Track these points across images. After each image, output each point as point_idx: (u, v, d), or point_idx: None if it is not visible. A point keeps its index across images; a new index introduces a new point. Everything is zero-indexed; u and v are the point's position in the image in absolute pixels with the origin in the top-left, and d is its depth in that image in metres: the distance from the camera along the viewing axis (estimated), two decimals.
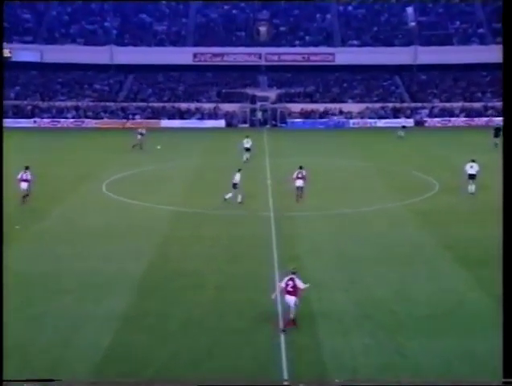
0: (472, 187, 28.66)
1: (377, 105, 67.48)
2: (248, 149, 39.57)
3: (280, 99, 68.24)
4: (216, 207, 26.73)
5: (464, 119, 64.59)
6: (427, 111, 66.99)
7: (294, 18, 76.39)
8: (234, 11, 77.22)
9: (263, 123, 65.24)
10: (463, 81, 71.41)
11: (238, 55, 71.27)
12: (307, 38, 74.48)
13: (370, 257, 19.41)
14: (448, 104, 67.51)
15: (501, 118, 63.29)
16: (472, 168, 29.17)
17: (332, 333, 14.14)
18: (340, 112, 66.84)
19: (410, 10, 75.23)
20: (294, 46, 73.11)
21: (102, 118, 64.12)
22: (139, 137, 44.78)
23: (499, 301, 15.26)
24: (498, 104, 67.31)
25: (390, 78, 72.60)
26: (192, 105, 67.48)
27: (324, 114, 66.61)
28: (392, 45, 71.90)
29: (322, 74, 72.30)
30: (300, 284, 14.37)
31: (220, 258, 19.67)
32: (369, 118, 65.23)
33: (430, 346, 13.22)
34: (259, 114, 65.82)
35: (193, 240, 21.64)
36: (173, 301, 16.08)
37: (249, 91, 68.76)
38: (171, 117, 65.06)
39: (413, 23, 72.47)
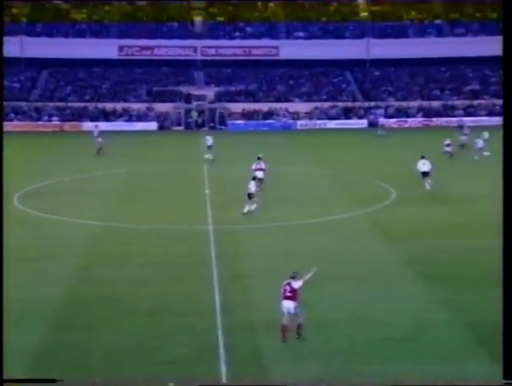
0: (427, 184, 30.28)
1: (327, 105, 68.50)
2: (209, 148, 40.76)
3: (219, 98, 68.31)
4: (149, 220, 26.36)
5: (422, 119, 66.33)
6: (381, 111, 68.43)
7: (233, 7, 76.74)
8: None
9: (200, 125, 65.09)
10: (420, 77, 73.45)
11: (170, 48, 71.00)
12: (248, 29, 74.97)
13: (325, 275, 19.43)
14: (404, 103, 69.24)
15: (461, 118, 65.48)
16: (424, 165, 31.22)
17: (280, 362, 14.06)
18: (286, 113, 67.44)
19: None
20: (233, 38, 73.46)
21: (12, 120, 62.37)
22: (100, 140, 44.75)
23: (465, 324, 15.70)
24: (458, 102, 69.57)
25: (340, 74, 73.88)
26: (119, 105, 66.67)
27: (269, 115, 67.06)
28: (342, 38, 73.29)
29: (265, 70, 72.88)
30: (296, 284, 14.87)
31: (153, 280, 19.36)
32: (318, 119, 66.09)
33: (387, 372, 13.34)
34: (195, 115, 65.67)
35: (122, 259, 21.23)
36: (97, 331, 15.65)
37: (184, 89, 68.51)
38: (94, 118, 63.94)
39: (365, 13, 74.09)
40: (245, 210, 26.95)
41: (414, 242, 22.96)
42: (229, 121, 65.41)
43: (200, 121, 65.68)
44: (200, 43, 71.62)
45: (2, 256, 14.39)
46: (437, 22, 76.46)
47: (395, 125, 65.34)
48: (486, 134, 44.43)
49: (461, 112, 67.67)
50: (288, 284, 15.03)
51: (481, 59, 71.69)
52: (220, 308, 16.93)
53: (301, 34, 74.51)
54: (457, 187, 32.68)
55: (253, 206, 27.15)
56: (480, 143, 42.40)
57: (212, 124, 65.59)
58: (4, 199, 30.14)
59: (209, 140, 41.62)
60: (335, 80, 73.43)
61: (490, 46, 70.78)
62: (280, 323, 14.93)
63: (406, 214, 27.15)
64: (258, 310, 16.90)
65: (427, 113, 67.66)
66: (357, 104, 69.32)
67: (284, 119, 66.21)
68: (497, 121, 65.55)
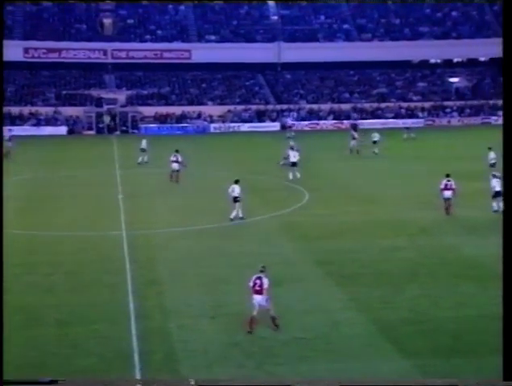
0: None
1: (240, 108, 68.91)
2: (143, 150, 40.23)
3: (131, 101, 67.42)
4: (59, 227, 25.68)
5: (333, 122, 67.84)
6: (294, 113, 69.52)
7: (143, 10, 75.98)
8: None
9: (112, 129, 64.00)
10: (330, 81, 75.13)
11: (79, 51, 69.43)
12: (159, 32, 74.42)
13: (237, 278, 19.57)
14: (315, 106, 70.60)
15: (370, 121, 67.43)
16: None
17: (195, 366, 14.05)
18: (199, 116, 67.39)
19: (271, 3, 77.93)
20: (144, 41, 72.74)
21: None
22: (10, 144, 43.43)
23: (374, 321, 16.18)
24: (367, 105, 71.65)
25: (252, 77, 74.54)
26: (26, 109, 64.60)
27: (182, 118, 66.76)
28: (254, 41, 73.98)
29: (178, 73, 72.61)
30: (266, 283, 15.39)
31: (62, 288, 18.87)
32: (232, 122, 66.40)
33: (299, 372, 13.57)
34: (107, 119, 64.49)
35: (26, 268, 20.56)
36: (7, 342, 15.06)
37: (95, 92, 67.19)
38: None
39: (275, 17, 75.06)
40: (233, 215, 26.12)
41: (325, 243, 23.43)
42: (141, 125, 64.63)
43: (112, 125, 64.56)
44: (109, 46, 70.40)
45: (2, 259, 13.83)
46: (345, 26, 78.47)
47: (307, 128, 66.55)
48: (377, 135, 46.17)
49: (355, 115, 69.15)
50: (259, 278, 15.48)
51: (387, 63, 74.20)
52: (134, 314, 16.71)
53: (213, 37, 74.65)
54: (366, 187, 33.64)
55: (238, 211, 26.21)
56: (376, 137, 45.35)
57: (124, 128, 64.63)
58: None
59: (143, 143, 41.02)
60: (247, 83, 74.00)
61: (395, 51, 73.55)
62: (249, 316, 15.38)
63: (318, 215, 27.67)
64: (172, 315, 16.80)
65: (338, 116, 69.25)
66: (270, 107, 70.12)
67: (201, 122, 66.06)
68: (404, 123, 68.30)
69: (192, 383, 10.80)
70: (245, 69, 73.63)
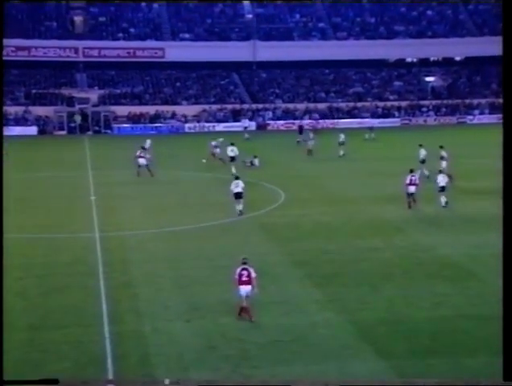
0: None
1: (215, 107, 68.86)
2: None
3: (103, 101, 67.03)
4: (29, 230, 25.44)
5: (309, 121, 68.04)
6: (269, 113, 69.66)
7: (115, 8, 75.55)
8: None
9: (84, 129, 63.52)
10: (306, 80, 75.41)
11: (49, 49, 68.80)
12: (131, 30, 74.09)
13: (213, 279, 19.60)
14: (291, 105, 70.82)
15: (346, 120, 67.84)
16: (232, 152, 37.42)
17: (170, 370, 14.01)
18: (174, 116, 67.19)
19: (246, 2, 78.00)
20: (117, 39, 72.33)
21: None
22: None
23: (352, 322, 16.29)
24: (343, 104, 72.05)
25: (227, 76, 74.54)
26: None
27: (156, 118, 66.51)
28: (229, 39, 74.01)
29: (151, 72, 72.37)
30: (253, 272, 16.05)
31: (33, 292, 18.72)
32: (207, 122, 66.31)
33: (276, 375, 13.61)
34: (78, 119, 64.03)
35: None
36: None
37: (66, 91, 66.70)
38: None
39: (250, 16, 75.15)
40: (240, 208, 27.10)
41: (302, 243, 23.52)
42: (114, 125, 64.28)
43: (83, 124, 64.09)
44: (81, 44, 69.89)
45: (3, 257, 13.82)
46: (320, 25, 78.82)
47: (283, 127, 66.73)
48: (342, 136, 46.35)
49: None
50: (245, 269, 16.04)
51: (362, 62, 74.70)
52: (107, 318, 16.63)
53: (187, 35, 74.49)
54: (340, 187, 33.86)
55: (239, 207, 27.18)
56: (341, 138, 45.91)
57: (96, 128, 64.22)
58: None
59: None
60: (222, 82, 73.98)
61: (371, 49, 74.10)
62: (238, 306, 16.17)
63: (294, 215, 27.78)
64: (147, 318, 16.74)
65: (314, 115, 69.48)
66: (245, 106, 70.16)
67: (175, 121, 65.88)
68: (381, 122, 68.88)
69: (167, 382, 10.84)
70: (220, 68, 73.62)
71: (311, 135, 47.61)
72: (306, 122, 64.90)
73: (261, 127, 66.76)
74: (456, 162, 35.93)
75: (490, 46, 73.22)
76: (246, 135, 55.81)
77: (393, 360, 14.17)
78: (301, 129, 55.34)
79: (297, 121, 67.30)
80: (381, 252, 22.31)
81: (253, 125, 66.87)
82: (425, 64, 79.02)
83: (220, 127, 65.32)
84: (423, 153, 36.31)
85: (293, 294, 18.40)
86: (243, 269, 16.10)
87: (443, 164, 33.88)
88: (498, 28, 78.18)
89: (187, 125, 65.66)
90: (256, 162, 39.69)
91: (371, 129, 56.87)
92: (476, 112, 72.65)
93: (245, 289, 16.05)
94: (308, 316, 16.86)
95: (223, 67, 73.58)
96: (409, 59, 79.55)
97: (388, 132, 63.15)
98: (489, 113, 71.88)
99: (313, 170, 40.10)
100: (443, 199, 28.19)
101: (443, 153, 35.39)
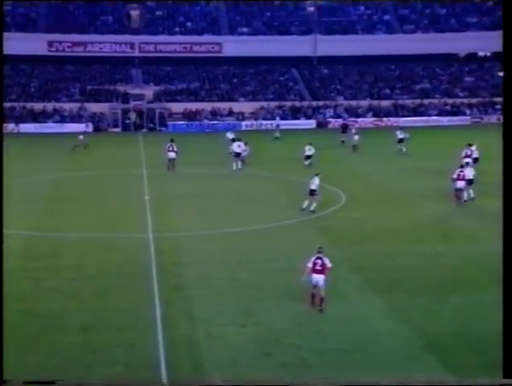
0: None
1: (273, 104, 68.95)
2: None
3: (159, 97, 68.01)
4: (83, 229, 26.03)
5: (373, 119, 67.43)
6: (330, 110, 69.33)
7: (172, 1, 76.55)
8: None
9: (139, 126, 64.61)
10: (369, 75, 74.74)
11: (105, 44, 70.26)
12: (188, 24, 74.93)
13: (269, 283, 19.66)
14: (353, 103, 70.29)
15: (412, 118, 66.92)
16: (309, 150, 40.00)
17: (224, 377, 14.10)
18: (231, 113, 67.61)
19: None
20: (173, 34, 73.28)
21: None
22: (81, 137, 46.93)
23: (417, 332, 16.07)
24: (408, 102, 71.07)
25: (287, 72, 74.54)
26: (49, 105, 65.61)
27: (212, 115, 67.07)
28: (288, 33, 73.98)
29: (208, 67, 72.99)
30: (328, 262, 17.01)
31: (86, 293, 19.13)
32: (265, 119, 66.45)
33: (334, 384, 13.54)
34: (133, 116, 65.14)
35: (49, 272, 20.89)
36: (25, 349, 15.39)
37: (121, 88, 67.95)
38: (20, 120, 62.72)
39: (311, 8, 74.97)
40: (305, 205, 27.98)
41: (363, 247, 23.34)
42: (169, 122, 65.12)
43: (138, 122, 65.19)
44: (137, 39, 71.08)
45: (2, 259, 14.24)
46: (386, 17, 77.99)
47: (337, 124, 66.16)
48: (401, 133, 46.68)
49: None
50: (319, 258, 17.05)
51: (431, 56, 73.49)
52: (160, 322, 16.88)
53: (245, 29, 74.87)
54: (401, 188, 33.43)
55: (306, 203, 28.04)
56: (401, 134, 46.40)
57: (151, 125, 65.17)
58: None
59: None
60: (281, 78, 74.02)
61: (440, 43, 72.77)
62: (309, 295, 17.27)
63: (355, 218, 27.58)
64: (200, 323, 16.91)
65: (377, 113, 68.80)
66: (305, 103, 70.02)
67: (231, 119, 66.33)
68: (449, 121, 67.66)
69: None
70: (279, 63, 73.66)
71: (354, 130, 49.05)
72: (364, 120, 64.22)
73: (321, 125, 66.46)
74: None
75: None
76: (277, 134, 55.62)
77: (461, 375, 13.89)
78: (345, 128, 54.81)
79: (360, 119, 66.77)
80: (448, 258, 21.96)
81: (313, 123, 66.68)
82: (499, 59, 77.06)
83: (281, 124, 64.81)
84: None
85: (353, 301, 18.29)
86: (317, 258, 17.04)
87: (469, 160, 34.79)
88: None
89: (244, 123, 65.95)
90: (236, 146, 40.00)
91: (402, 128, 56.54)
92: None
93: (316, 278, 16.94)
94: (369, 324, 16.73)
95: (282, 63, 73.60)
96: (481, 53, 77.83)
97: (457, 130, 61.95)
98: None
99: (372, 169, 39.71)
100: (467, 193, 29.53)
101: (469, 151, 36.64)
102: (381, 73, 75.00)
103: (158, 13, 75.24)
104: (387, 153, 45.65)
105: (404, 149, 45.26)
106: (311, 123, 66.74)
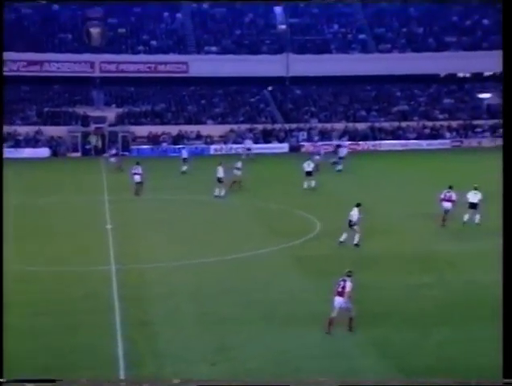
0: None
1: (244, 127, 69.21)
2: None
3: (122, 120, 67.86)
4: (40, 262, 25.67)
5: (348, 143, 67.95)
6: (304, 133, 69.77)
7: (135, 18, 76.80)
8: (55, 7, 75.94)
9: (100, 151, 64.27)
10: (345, 97, 75.51)
11: (63, 63, 70.09)
12: (153, 43, 75.14)
13: (242, 317, 19.53)
14: (328, 125, 70.84)
15: (390, 142, 67.63)
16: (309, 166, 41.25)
17: None
18: (198, 136, 67.66)
19: (278, 10, 78.68)
20: (137, 53, 73.40)
21: None
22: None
23: (399, 369, 16.02)
24: (386, 124, 71.85)
25: (258, 93, 75.00)
26: (3, 129, 64.92)
27: (178, 139, 67.03)
28: (259, 52, 74.56)
29: (174, 88, 73.15)
30: (348, 287, 17.95)
31: (44, 330, 18.81)
32: (235, 143, 66.61)
33: None
34: (94, 140, 64.85)
35: (5, 308, 20.44)
36: None
37: (80, 110, 67.73)
38: None
39: (283, 26, 75.76)
40: (342, 238, 27.73)
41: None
42: (133, 146, 64.94)
43: (99, 146, 64.88)
44: (97, 58, 71.03)
45: (2, 257, 13.66)
46: (361, 36, 79.10)
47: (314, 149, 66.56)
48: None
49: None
50: (343, 281, 18.09)
51: (408, 77, 74.57)
52: (123, 360, 16.63)
53: (213, 48, 75.29)
54: (379, 214, 33.59)
55: (344, 236, 27.81)
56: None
57: (114, 152, 64.82)
58: None
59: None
60: (252, 100, 74.41)
61: (418, 63, 73.90)
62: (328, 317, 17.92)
63: (331, 247, 27.61)
64: (167, 360, 16.70)
65: (353, 136, 69.36)
66: (277, 126, 70.40)
67: (198, 143, 66.43)
68: (429, 144, 68.55)
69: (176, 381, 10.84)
70: (250, 84, 74.08)
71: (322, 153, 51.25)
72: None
73: (294, 149, 66.81)
74: None
75: None
76: (244, 156, 55.15)
77: None
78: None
79: (335, 142, 67.22)
80: (434, 289, 22.02)
81: (285, 147, 67.03)
82: (479, 80, 78.61)
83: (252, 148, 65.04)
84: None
85: (332, 335, 18.20)
86: (342, 280, 18.09)
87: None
88: None
89: (213, 147, 66.04)
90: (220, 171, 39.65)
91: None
92: None
93: (338, 300, 17.92)
94: (349, 360, 16.67)
95: (253, 83, 74.03)
96: (461, 74, 79.23)
97: (436, 154, 62.80)
98: None
99: (348, 195, 39.83)
100: (470, 218, 30.45)
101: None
102: (357, 94, 75.84)
103: (121, 30, 75.38)
104: (364, 179, 45.96)
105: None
106: (284, 147, 67.12)
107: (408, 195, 39.49)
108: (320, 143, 64.53)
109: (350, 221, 27.54)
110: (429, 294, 21.47)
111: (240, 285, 22.63)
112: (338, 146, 56.77)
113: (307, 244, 28.46)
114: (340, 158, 51.34)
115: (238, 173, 41.49)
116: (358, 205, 27.94)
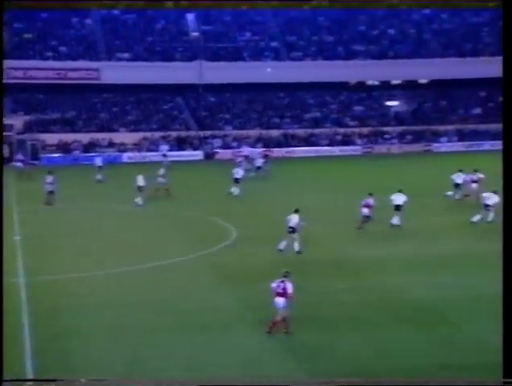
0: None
1: (158, 134, 68.65)
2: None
3: (30, 128, 66.10)
4: None
5: (262, 150, 68.33)
6: (218, 140, 69.81)
7: (43, 23, 75.12)
8: None
9: (8, 160, 62.31)
10: (258, 104, 76.02)
11: None
12: (62, 49, 73.62)
13: (160, 327, 19.28)
14: (242, 132, 71.13)
15: (303, 148, 68.42)
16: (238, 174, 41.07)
17: None
18: (111, 144, 66.68)
19: (190, 17, 78.55)
20: (45, 59, 71.72)
21: None
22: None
23: (312, 374, 16.10)
24: (299, 131, 72.74)
25: (171, 100, 74.61)
26: None
27: (90, 147, 65.86)
28: (172, 59, 74.17)
29: (85, 95, 71.88)
30: (289, 288, 18.07)
31: None
32: (149, 151, 65.97)
33: None
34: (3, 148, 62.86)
35: None
36: None
37: None
38: None
39: (196, 33, 75.66)
40: (281, 246, 27.43)
41: (257, 285, 23.31)
42: (43, 155, 63.34)
43: (6, 154, 62.91)
44: (4, 64, 68.89)
45: (2, 256, 12.76)
46: (273, 44, 79.84)
47: (233, 156, 66.73)
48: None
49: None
50: (282, 281, 18.28)
51: (320, 84, 75.76)
52: (32, 376, 16.08)
53: (125, 55, 74.42)
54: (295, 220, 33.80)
55: (283, 243, 27.40)
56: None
57: (21, 158, 63.02)
58: None
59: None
60: (165, 107, 73.96)
61: (329, 71, 75.19)
62: (271, 319, 18.14)
63: (247, 254, 27.62)
64: (79, 375, 16.22)
65: (267, 143, 69.87)
66: (191, 133, 70.18)
67: (111, 151, 65.43)
68: (341, 150, 69.77)
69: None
70: (163, 91, 73.61)
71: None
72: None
73: (209, 156, 66.74)
74: (425, 194, 36.53)
75: (456, 68, 75.47)
76: (165, 163, 54.80)
77: None
78: (265, 157, 55.38)
79: (250, 149, 67.50)
80: (345, 294, 22.28)
81: (200, 155, 66.87)
82: (387, 87, 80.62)
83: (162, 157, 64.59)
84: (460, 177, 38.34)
85: (246, 342, 18.17)
86: (281, 281, 18.22)
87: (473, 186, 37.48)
88: (464, 49, 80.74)
89: (126, 155, 65.17)
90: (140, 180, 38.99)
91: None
92: (444, 139, 74.22)
93: (278, 301, 18.09)
94: (264, 367, 16.63)
95: (166, 91, 73.59)
96: (370, 82, 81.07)
97: (348, 160, 64.01)
98: (458, 141, 73.54)
99: (263, 203, 40.08)
100: (485, 216, 31.71)
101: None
102: (270, 101, 76.49)
103: (28, 36, 73.52)
104: (279, 185, 46.30)
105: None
106: (198, 154, 66.96)
107: (324, 201, 39.92)
108: (240, 150, 64.51)
109: (290, 228, 27.09)
110: (344, 299, 21.70)
111: (156, 294, 22.32)
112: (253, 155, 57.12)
113: (223, 252, 28.40)
114: (258, 167, 51.39)
115: (163, 180, 41.18)
116: (297, 211, 27.43)
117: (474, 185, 37.25)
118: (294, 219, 27.07)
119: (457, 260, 26.11)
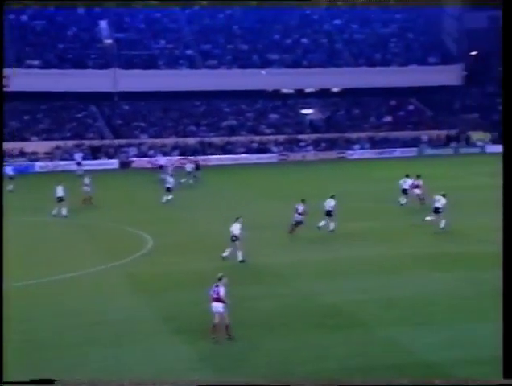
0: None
1: (71, 143, 67.42)
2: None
3: None
4: None
5: (179, 158, 68.05)
6: (134, 149, 69.11)
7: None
8: None
9: None
10: (174, 112, 75.72)
11: None
12: None
13: (71, 342, 18.86)
14: (158, 140, 70.66)
15: (219, 156, 68.47)
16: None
17: None
18: (22, 154, 65.04)
19: (103, 24, 77.61)
20: None
21: None
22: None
23: (228, 381, 16.08)
24: (216, 139, 72.86)
25: (84, 108, 73.46)
26: None
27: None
28: (85, 67, 73.09)
29: None
30: (221, 292, 18.30)
31: None
32: (62, 160, 64.67)
33: None
34: None
35: None
36: None
37: None
38: None
39: (109, 41, 74.77)
40: (225, 253, 27.25)
41: (173, 295, 23.19)
42: None
43: None
44: None
45: (2, 257, 14.85)
46: (188, 52, 79.71)
47: (149, 165, 66.19)
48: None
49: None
50: (217, 286, 18.44)
51: (236, 93, 76.13)
52: None
53: (35, 62, 72.77)
54: (210, 230, 33.75)
55: (228, 251, 27.21)
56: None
57: None
58: None
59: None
60: (79, 116, 72.74)
61: (244, 79, 75.69)
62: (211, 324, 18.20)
63: (163, 264, 27.41)
64: None
65: (184, 151, 69.59)
66: (106, 141, 69.22)
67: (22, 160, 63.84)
68: (258, 158, 70.20)
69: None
70: (76, 99, 72.37)
71: (170, 171, 48.02)
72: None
73: (124, 165, 65.95)
74: (340, 200, 37.07)
75: (368, 77, 77.30)
76: (79, 172, 54.48)
77: None
78: (198, 167, 54.01)
79: (167, 158, 67.00)
80: (262, 301, 22.37)
81: (115, 163, 66.01)
82: (302, 96, 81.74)
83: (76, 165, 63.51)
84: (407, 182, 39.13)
85: (161, 353, 18.00)
86: (216, 286, 18.38)
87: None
88: (375, 59, 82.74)
89: (38, 164, 63.67)
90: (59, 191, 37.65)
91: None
92: (357, 146, 75.72)
93: (215, 306, 18.30)
94: (179, 376, 16.50)
95: (79, 99, 72.38)
96: (285, 90, 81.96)
97: (264, 168, 64.49)
98: (370, 148, 75.18)
99: (179, 211, 39.93)
100: (436, 222, 31.70)
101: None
102: (187, 109, 76.34)
103: None
104: (199, 194, 46.21)
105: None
106: (114, 163, 66.07)
107: (248, 208, 39.93)
108: (155, 158, 63.91)
109: (233, 236, 26.87)
110: (258, 305, 21.80)
111: (68, 307, 21.89)
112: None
113: (138, 261, 28.10)
114: (189, 172, 51.09)
115: (88, 189, 40.63)
116: (238, 219, 27.21)
117: (416, 190, 38.19)
118: (236, 227, 26.92)
119: (374, 263, 26.58)
